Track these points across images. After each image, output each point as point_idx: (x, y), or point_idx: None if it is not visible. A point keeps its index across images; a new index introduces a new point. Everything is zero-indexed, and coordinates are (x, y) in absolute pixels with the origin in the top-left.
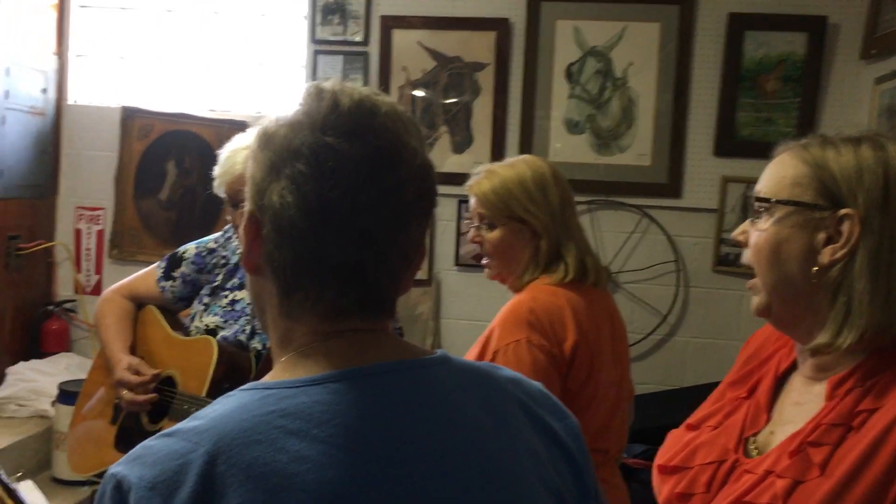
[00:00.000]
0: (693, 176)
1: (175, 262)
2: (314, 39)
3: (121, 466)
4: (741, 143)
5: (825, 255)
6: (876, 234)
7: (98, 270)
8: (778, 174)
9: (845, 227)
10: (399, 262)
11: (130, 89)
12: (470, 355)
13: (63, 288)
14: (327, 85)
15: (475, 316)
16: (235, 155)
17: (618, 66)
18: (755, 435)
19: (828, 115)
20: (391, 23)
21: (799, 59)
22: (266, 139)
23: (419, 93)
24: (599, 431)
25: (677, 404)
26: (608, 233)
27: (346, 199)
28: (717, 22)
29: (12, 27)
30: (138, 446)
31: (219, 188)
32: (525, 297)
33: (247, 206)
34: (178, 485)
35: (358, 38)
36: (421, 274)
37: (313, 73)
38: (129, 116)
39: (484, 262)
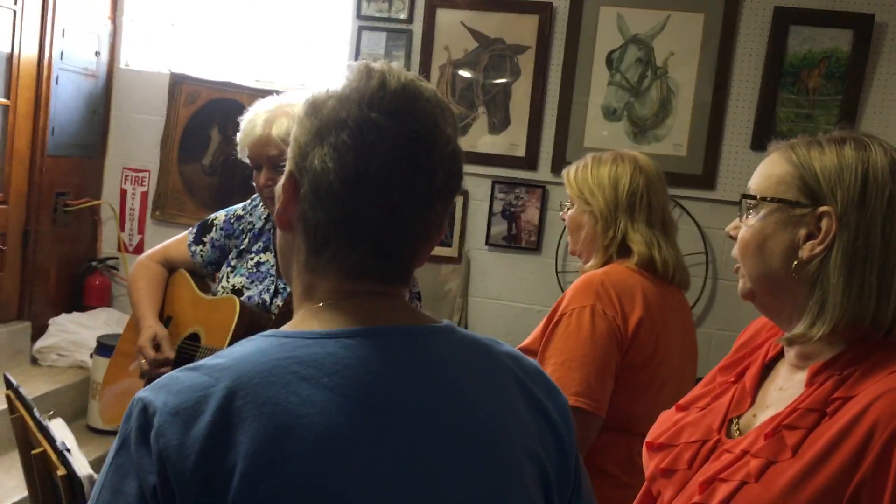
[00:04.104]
0: (728, 169)
1: (206, 227)
2: (359, 15)
3: (148, 392)
4: (780, 139)
5: (805, 251)
6: (851, 231)
7: (141, 230)
8: (766, 172)
9: (824, 223)
10: (421, 237)
11: (180, 56)
12: (544, 320)
13: (107, 245)
14: (376, 65)
15: (503, 295)
16: (256, 118)
17: (659, 55)
18: (739, 417)
19: (869, 114)
20: (436, 2)
21: (843, 56)
22: (314, 108)
23: (460, 72)
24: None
25: None
26: None
27: (381, 174)
28: (763, 15)
29: None
30: (165, 376)
31: (241, 152)
32: (599, 271)
33: (287, 166)
34: (199, 413)
35: (402, 16)
36: (451, 252)
37: (357, 48)
38: (177, 82)
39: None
